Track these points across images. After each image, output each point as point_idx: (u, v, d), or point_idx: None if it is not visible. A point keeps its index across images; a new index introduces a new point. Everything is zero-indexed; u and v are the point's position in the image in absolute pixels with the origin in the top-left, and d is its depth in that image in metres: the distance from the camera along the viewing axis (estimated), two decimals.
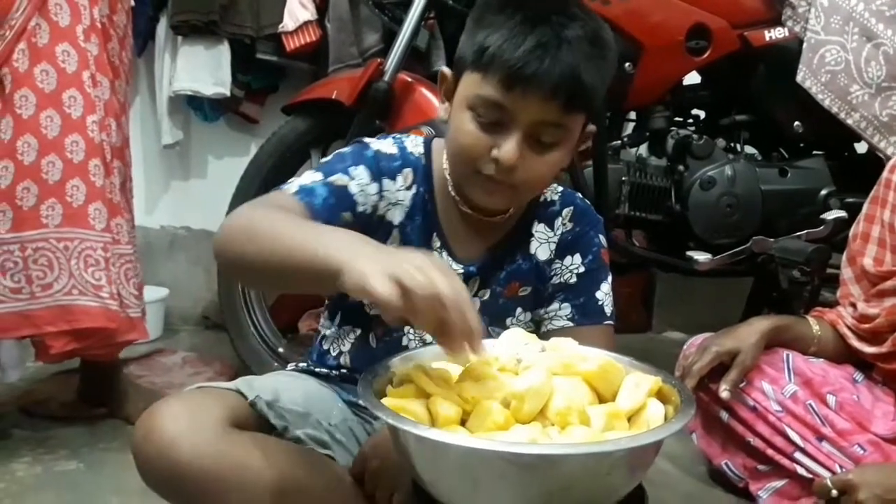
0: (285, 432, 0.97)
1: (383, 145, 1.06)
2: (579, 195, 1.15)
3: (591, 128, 1.05)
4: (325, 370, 1.12)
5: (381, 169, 1.04)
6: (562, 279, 1.11)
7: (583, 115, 0.99)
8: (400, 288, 0.70)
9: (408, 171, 1.06)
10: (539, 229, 1.11)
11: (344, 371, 1.12)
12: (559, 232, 1.11)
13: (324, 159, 1.05)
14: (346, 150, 1.05)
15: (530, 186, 1.02)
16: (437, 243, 1.08)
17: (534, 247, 1.11)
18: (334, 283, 0.74)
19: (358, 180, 1.01)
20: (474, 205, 1.06)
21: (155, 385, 1.88)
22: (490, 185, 0.99)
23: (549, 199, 1.13)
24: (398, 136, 1.11)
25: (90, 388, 1.74)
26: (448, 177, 1.07)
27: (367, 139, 1.07)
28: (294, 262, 0.80)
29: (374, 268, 0.71)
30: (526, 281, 1.11)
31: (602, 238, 1.13)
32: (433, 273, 0.72)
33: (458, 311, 0.73)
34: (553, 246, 1.11)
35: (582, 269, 1.10)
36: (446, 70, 1.04)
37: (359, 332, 1.10)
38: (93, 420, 1.70)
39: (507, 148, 0.95)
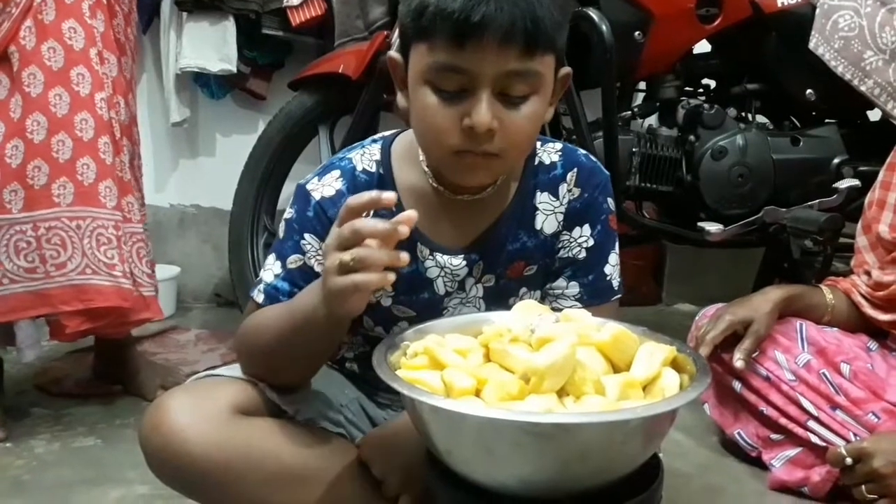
0: (297, 415, 0.97)
1: (326, 186, 0.98)
2: (582, 151, 1.05)
3: (566, 70, 0.94)
4: (335, 364, 1.11)
5: (330, 219, 0.94)
6: (570, 253, 1.03)
7: (550, 55, 0.88)
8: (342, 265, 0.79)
9: None
10: (543, 199, 1.02)
11: (354, 371, 1.10)
12: (566, 200, 1.02)
13: (280, 229, 1.00)
14: (292, 213, 0.98)
15: (515, 149, 0.91)
16: (426, 251, 0.99)
17: (539, 221, 1.02)
18: (327, 318, 0.84)
19: (311, 251, 0.97)
20: (461, 187, 0.98)
21: (169, 362, 1.90)
22: (472, 160, 0.89)
23: (549, 162, 1.02)
24: (348, 156, 1.01)
25: (105, 365, 1.76)
26: (426, 169, 0.98)
27: (309, 185, 0.99)
28: (292, 333, 0.90)
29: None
30: (532, 259, 1.03)
31: (611, 201, 1.04)
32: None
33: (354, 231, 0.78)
34: (560, 217, 1.02)
35: (591, 243, 1.02)
36: (394, 55, 0.94)
37: (368, 348, 1.05)
38: (108, 397, 1.71)
39: (478, 112, 0.85)
